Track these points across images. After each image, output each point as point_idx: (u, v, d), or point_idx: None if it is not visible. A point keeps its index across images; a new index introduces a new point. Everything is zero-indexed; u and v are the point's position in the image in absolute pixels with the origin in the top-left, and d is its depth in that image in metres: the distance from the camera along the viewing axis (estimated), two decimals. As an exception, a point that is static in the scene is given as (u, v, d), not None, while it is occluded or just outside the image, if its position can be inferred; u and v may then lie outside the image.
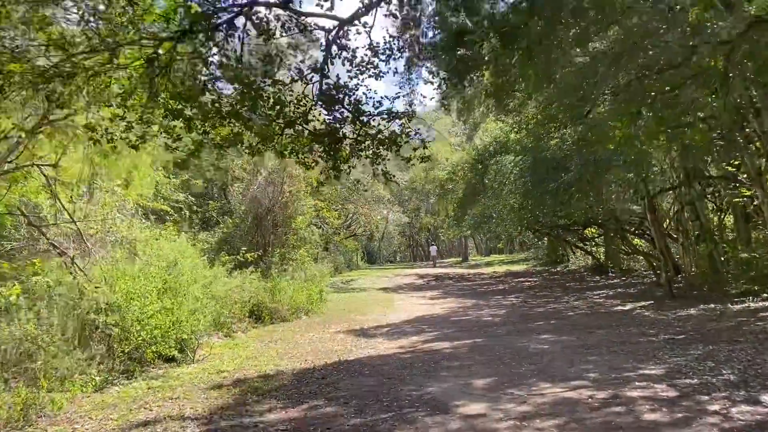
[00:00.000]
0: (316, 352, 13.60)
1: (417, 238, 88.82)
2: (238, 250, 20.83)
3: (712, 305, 16.14)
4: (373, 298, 27.31)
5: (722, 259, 20.41)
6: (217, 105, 9.33)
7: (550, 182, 21.22)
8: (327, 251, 43.93)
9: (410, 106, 13.34)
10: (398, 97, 12.98)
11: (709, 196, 23.15)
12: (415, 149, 11.03)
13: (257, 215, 25.60)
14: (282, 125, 9.82)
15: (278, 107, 9.48)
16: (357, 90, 10.28)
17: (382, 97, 10.53)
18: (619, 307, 18.18)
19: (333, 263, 42.12)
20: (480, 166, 31.16)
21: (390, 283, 36.73)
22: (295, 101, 10.00)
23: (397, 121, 10.62)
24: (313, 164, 11.35)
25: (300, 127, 10.06)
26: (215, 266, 18.25)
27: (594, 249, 36.72)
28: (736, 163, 18.59)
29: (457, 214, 36.24)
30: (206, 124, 9.57)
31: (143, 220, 18.50)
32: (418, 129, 11.29)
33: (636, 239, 30.39)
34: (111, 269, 12.81)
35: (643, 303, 18.61)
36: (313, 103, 10.17)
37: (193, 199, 24.87)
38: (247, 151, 10.40)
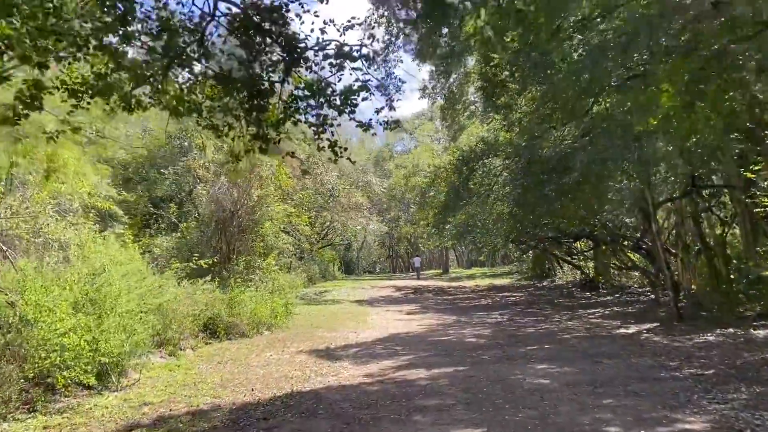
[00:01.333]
0: (267, 378, 11.38)
1: (396, 248, 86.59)
2: (199, 257, 18.73)
3: (731, 330, 14.11)
4: (346, 312, 25.06)
5: (732, 276, 18.39)
6: (62, 21, 6.01)
7: (547, 186, 18.87)
8: (301, 260, 41.86)
9: (370, 39, 10.00)
10: (352, 26, 7.92)
11: (713, 207, 21.16)
12: (378, 111, 8.26)
13: (220, 220, 23.35)
14: (168, 61, 6.56)
15: (165, 33, 6.26)
16: (288, 10, 6.89)
17: (327, 23, 6.80)
18: (622, 330, 16.04)
19: (307, 273, 39.97)
20: (465, 168, 28.78)
21: (366, 296, 34.49)
22: (188, 23, 6.70)
23: (350, 65, 7.35)
24: (225, 130, 7.95)
25: (199, 66, 6.90)
26: (165, 274, 16.12)
27: (583, 263, 34.75)
28: (757, 168, 16.44)
29: (438, 221, 33.69)
30: (45, 55, 6.20)
31: (88, 222, 16.49)
32: (384, 79, 8.58)
33: (629, 254, 28.46)
34: (21, 277, 10.55)
35: (647, 325, 16.50)
36: (210, 18, 6.75)
37: (127, 195, 22.66)
38: (120, 104, 6.94)
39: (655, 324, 16.61)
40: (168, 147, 27.55)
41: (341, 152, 8.19)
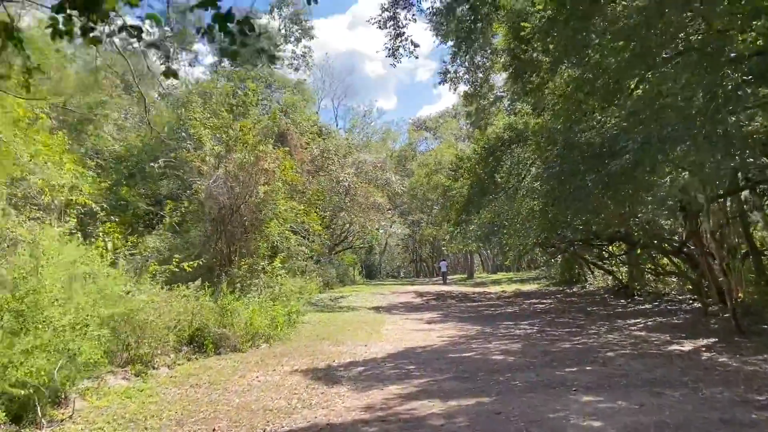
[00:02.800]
0: (240, 411, 9.08)
1: (420, 252, 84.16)
2: (195, 259, 16.69)
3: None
4: (360, 321, 22.73)
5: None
6: None
7: (588, 176, 16.05)
8: (318, 264, 39.66)
9: None
10: None
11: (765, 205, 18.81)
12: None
13: (218, 217, 21.10)
14: None
15: None
16: None
17: None
18: (675, 346, 13.58)
19: (322, 277, 37.71)
20: (491, 159, 26.03)
21: (384, 302, 32.11)
22: None
23: None
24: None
25: None
26: (141, 278, 14.01)
27: (615, 268, 32.22)
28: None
29: (460, 219, 30.82)
30: None
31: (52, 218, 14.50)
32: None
33: (666, 258, 26.11)
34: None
35: (703, 341, 14.10)
36: None
37: (124, 190, 20.52)
38: None
39: (711, 339, 14.22)
40: (167, 138, 25.31)
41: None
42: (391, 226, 51.31)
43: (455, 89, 29.01)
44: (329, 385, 10.85)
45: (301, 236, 29.74)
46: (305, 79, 51.40)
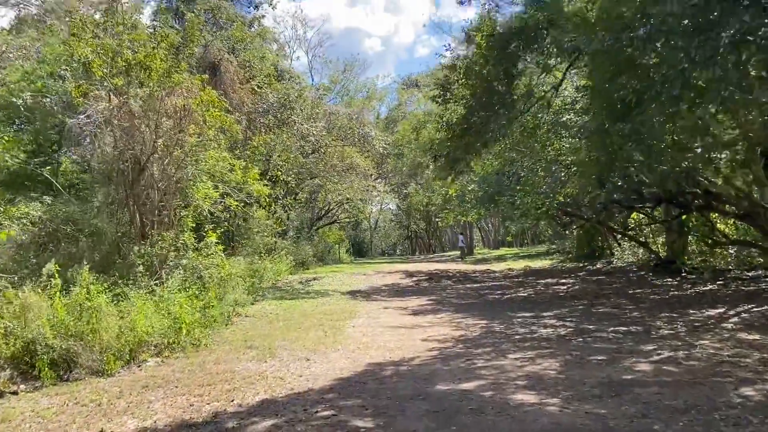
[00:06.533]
0: None
1: (415, 227, 78.00)
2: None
3: None
4: (323, 312, 16.76)
5: None
6: None
7: (724, 29, 8.35)
8: (297, 240, 34.05)
9: None
10: None
11: None
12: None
13: (116, 176, 14.94)
14: None
15: None
16: None
17: None
18: None
19: (295, 256, 31.68)
20: (501, 55, 17.60)
21: (365, 284, 25.93)
22: None
23: None
24: None
25: None
26: None
27: (651, 239, 26.49)
28: None
29: (452, 154, 22.26)
30: None
31: None
32: None
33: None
34: None
35: None
36: None
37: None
38: None
39: None
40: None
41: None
42: (379, 197, 45.34)
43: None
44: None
45: (260, 206, 23.91)
46: (264, 15, 44.49)
